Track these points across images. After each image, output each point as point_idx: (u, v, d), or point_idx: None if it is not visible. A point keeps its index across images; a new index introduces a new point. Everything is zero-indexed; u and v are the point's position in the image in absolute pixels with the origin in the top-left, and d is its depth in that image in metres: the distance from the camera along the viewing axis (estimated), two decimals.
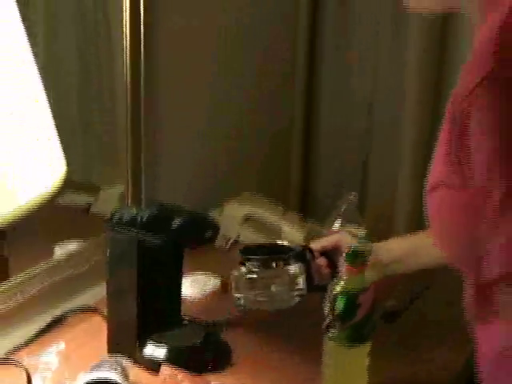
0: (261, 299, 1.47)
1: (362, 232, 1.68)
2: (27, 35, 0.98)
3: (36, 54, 1.01)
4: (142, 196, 1.73)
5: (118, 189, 1.75)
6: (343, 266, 1.36)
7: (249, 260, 1.45)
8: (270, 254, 1.46)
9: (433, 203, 1.07)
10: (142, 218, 1.38)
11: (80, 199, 1.72)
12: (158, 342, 1.39)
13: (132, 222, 1.38)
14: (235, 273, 1.47)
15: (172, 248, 1.41)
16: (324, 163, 2.29)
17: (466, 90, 0.93)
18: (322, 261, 1.47)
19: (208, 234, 1.43)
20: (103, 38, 1.74)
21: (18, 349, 1.43)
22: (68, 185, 1.06)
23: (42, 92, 1.02)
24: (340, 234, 1.52)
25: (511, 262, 0.96)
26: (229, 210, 1.94)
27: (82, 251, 1.65)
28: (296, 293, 1.45)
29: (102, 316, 1.50)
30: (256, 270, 1.44)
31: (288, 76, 2.24)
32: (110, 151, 1.80)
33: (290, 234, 1.82)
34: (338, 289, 1.35)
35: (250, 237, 1.87)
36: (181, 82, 1.84)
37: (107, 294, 1.43)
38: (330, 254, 1.47)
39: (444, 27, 1.93)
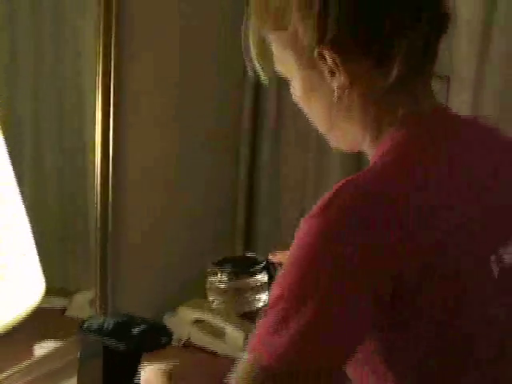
0: (230, 304, 1.60)
1: None
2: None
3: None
4: (108, 302, 1.89)
5: (89, 295, 1.90)
6: None
7: (221, 271, 1.57)
8: (240, 266, 1.57)
9: None
10: (107, 326, 1.50)
11: (56, 302, 1.83)
12: None
13: (99, 330, 1.50)
14: (209, 280, 1.59)
15: (132, 351, 1.51)
16: None
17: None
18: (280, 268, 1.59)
19: (163, 340, 1.52)
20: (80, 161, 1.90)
21: None
22: (46, 289, 1.15)
23: (23, 209, 1.08)
24: None
25: None
26: (181, 314, 2.04)
27: (59, 350, 1.78)
28: (260, 298, 1.56)
29: None
30: (226, 279, 1.56)
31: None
32: (82, 261, 1.95)
33: (232, 336, 1.92)
34: None
35: (200, 337, 1.96)
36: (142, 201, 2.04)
37: None
38: None
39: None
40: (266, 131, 2.37)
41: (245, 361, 0.96)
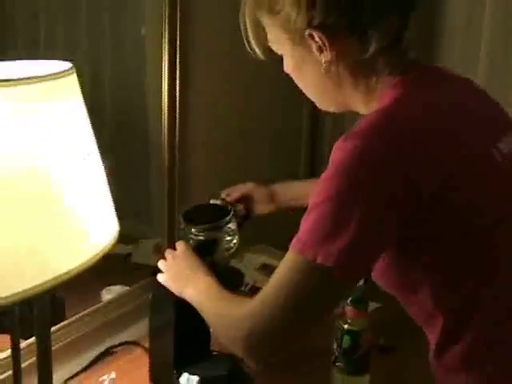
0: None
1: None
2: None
3: None
4: None
5: (152, 241, 1.92)
6: (349, 310, 1.57)
7: (196, 225, 1.54)
8: (211, 216, 1.57)
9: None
10: None
11: (120, 248, 1.89)
12: (192, 372, 1.54)
13: None
14: (183, 231, 1.56)
15: None
16: None
17: None
18: (240, 206, 1.66)
19: (237, 284, 1.56)
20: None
21: (75, 376, 1.60)
22: None
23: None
24: (251, 184, 1.69)
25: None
26: (246, 259, 2.06)
27: (125, 295, 1.80)
28: (233, 243, 1.58)
29: (144, 349, 1.64)
30: (201, 233, 1.53)
31: None
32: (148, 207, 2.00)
33: None
34: (345, 328, 1.57)
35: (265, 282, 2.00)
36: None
37: (149, 330, 1.56)
38: (246, 200, 1.67)
39: None
40: None
41: (301, 260, 1.11)
